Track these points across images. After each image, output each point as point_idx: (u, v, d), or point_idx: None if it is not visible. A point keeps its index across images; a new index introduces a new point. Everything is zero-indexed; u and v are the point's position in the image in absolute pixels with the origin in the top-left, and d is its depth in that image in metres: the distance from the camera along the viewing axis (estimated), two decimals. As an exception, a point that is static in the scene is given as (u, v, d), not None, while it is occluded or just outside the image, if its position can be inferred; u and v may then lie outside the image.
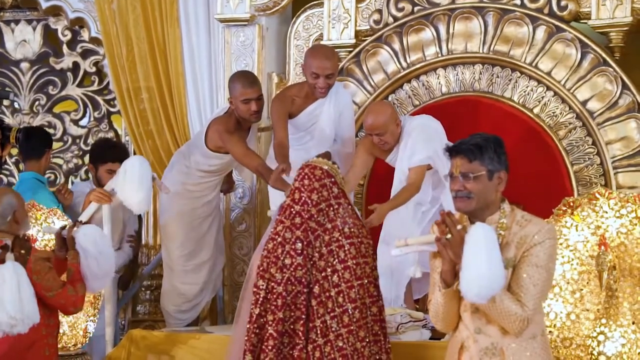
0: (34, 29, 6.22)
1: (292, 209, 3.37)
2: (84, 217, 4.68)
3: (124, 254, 5.21)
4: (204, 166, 4.86)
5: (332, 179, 3.41)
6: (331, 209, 3.38)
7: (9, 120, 6.24)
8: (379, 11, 5.34)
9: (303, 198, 3.37)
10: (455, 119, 4.85)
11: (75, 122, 6.20)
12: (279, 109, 4.60)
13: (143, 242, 5.69)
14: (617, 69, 4.87)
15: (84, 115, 6.19)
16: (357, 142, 4.85)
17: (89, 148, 6.13)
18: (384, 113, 4.48)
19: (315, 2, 5.47)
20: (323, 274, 3.31)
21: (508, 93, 5.09)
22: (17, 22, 6.24)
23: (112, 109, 6.13)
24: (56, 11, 6.10)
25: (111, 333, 4.62)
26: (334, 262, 3.33)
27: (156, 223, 5.69)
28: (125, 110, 5.70)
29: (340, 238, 3.35)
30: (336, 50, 5.10)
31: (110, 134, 6.13)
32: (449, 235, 2.76)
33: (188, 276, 5.00)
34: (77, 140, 6.19)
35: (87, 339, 4.45)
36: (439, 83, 5.21)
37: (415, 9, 5.26)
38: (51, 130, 6.18)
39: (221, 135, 4.68)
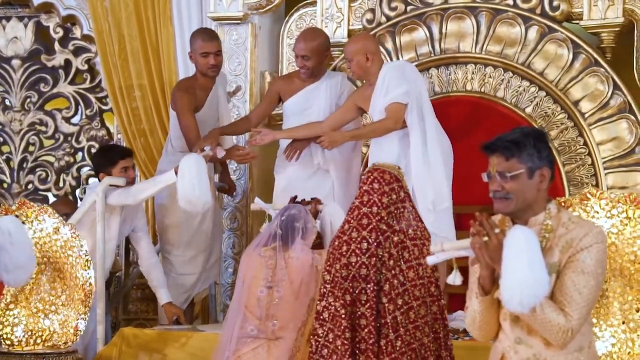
0: (26, 25, 6.20)
1: (360, 210, 3.51)
2: (75, 217, 4.68)
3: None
4: (177, 138, 4.90)
5: (400, 183, 3.57)
6: (398, 211, 3.53)
7: (0, 117, 6.23)
8: (372, 10, 5.34)
9: (372, 200, 3.51)
10: (447, 118, 4.85)
11: (67, 120, 6.18)
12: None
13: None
14: (608, 69, 4.88)
15: (75, 113, 6.18)
16: None
17: (80, 146, 6.13)
18: (355, 42, 4.66)
19: (308, 1, 5.48)
20: (392, 272, 3.47)
21: (500, 93, 5.10)
22: (8, 19, 6.21)
23: (104, 107, 6.12)
24: (48, 8, 6.08)
25: (102, 331, 4.62)
26: (400, 262, 3.49)
27: (148, 221, 5.67)
28: (118, 108, 5.69)
29: (405, 240, 3.51)
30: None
31: (102, 132, 6.12)
32: (485, 238, 2.55)
33: (185, 267, 5.02)
34: (69, 138, 6.17)
35: (78, 337, 4.44)
36: (432, 83, 5.21)
37: (408, 8, 5.27)
38: (42, 128, 6.18)
39: (174, 93, 4.89)
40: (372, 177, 3.57)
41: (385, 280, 3.47)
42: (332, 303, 3.47)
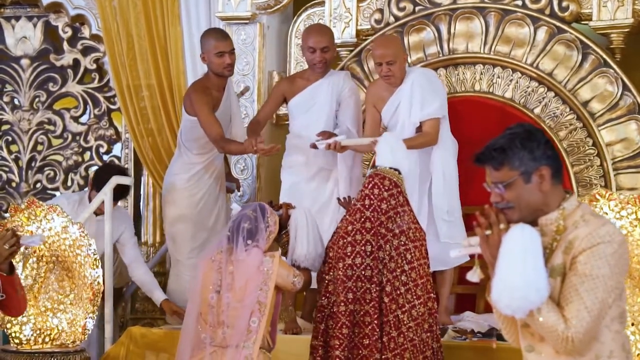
0: (35, 25, 6.21)
1: (363, 214, 3.69)
2: (83, 216, 4.69)
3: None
4: (191, 141, 4.84)
5: (399, 189, 3.73)
6: (398, 216, 3.72)
7: (8, 116, 6.24)
8: (380, 10, 5.34)
9: (373, 205, 3.69)
10: (456, 119, 4.84)
11: (75, 119, 6.19)
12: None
13: (142, 240, 5.69)
14: (617, 70, 4.87)
15: (84, 113, 6.19)
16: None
17: (88, 145, 6.15)
18: (394, 43, 4.62)
19: (316, 1, 5.48)
20: (393, 274, 3.65)
21: (509, 93, 5.09)
22: (17, 18, 6.23)
23: (112, 106, 6.13)
24: (57, 8, 6.09)
25: (110, 330, 4.62)
26: (402, 264, 3.67)
27: (155, 221, 5.69)
28: (126, 107, 5.70)
29: (406, 242, 3.70)
30: (337, 49, 5.13)
31: (110, 132, 6.13)
32: (488, 232, 2.38)
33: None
34: (77, 137, 6.18)
35: (86, 336, 4.45)
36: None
37: (417, 8, 5.26)
38: (51, 127, 6.19)
39: (190, 95, 4.79)
40: (372, 182, 3.73)
41: (387, 281, 3.64)
42: (335, 300, 3.63)
